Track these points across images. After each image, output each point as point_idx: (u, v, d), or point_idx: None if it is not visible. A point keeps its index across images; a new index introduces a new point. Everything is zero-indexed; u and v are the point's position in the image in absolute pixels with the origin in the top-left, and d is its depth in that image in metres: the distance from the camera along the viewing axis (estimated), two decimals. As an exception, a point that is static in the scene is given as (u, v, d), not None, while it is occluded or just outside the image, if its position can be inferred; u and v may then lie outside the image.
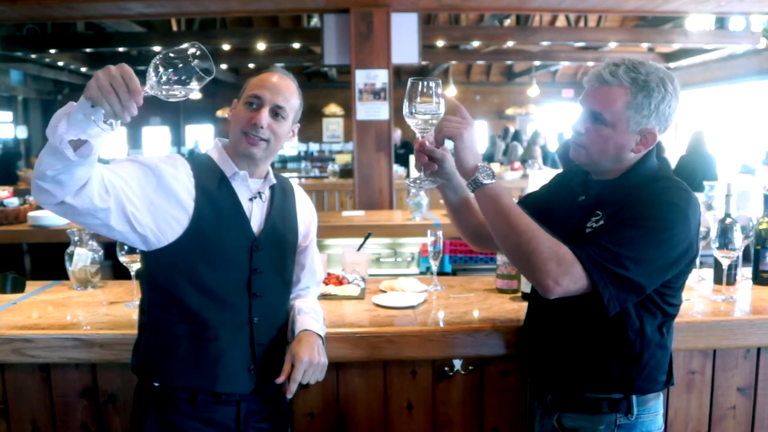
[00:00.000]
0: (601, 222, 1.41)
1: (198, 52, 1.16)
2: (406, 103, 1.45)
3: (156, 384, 1.49)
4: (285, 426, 1.68)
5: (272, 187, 1.63)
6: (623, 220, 1.35)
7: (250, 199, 1.57)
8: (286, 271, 1.66)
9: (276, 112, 1.52)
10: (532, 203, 1.69)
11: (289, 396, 1.51)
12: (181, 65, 1.15)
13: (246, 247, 1.53)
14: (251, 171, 1.57)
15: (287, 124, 1.56)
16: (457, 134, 1.40)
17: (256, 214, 1.57)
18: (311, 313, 1.67)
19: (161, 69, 1.14)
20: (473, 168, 1.39)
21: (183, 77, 1.15)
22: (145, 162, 1.46)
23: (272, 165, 1.66)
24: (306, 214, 1.73)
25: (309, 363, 1.51)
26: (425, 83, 1.44)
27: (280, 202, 1.64)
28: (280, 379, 1.50)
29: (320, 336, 1.61)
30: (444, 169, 1.54)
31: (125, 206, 1.37)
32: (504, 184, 6.88)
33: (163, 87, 1.15)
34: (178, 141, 15.47)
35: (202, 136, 14.85)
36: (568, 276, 1.31)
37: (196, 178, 1.49)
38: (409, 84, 1.45)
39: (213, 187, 1.51)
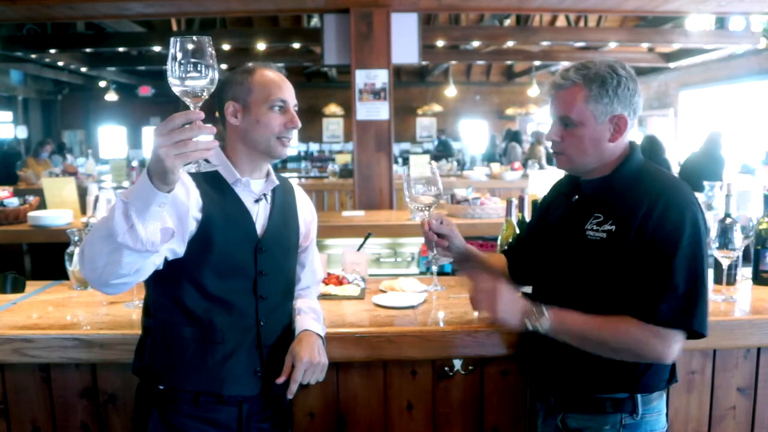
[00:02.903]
0: (606, 227, 1.43)
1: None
2: (406, 190, 1.57)
3: (161, 387, 1.49)
4: (286, 426, 1.69)
5: (273, 188, 1.63)
6: (662, 263, 1.37)
7: (256, 201, 1.57)
8: (290, 271, 1.67)
9: (295, 111, 1.56)
10: (537, 216, 1.75)
11: (290, 396, 1.52)
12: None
13: (250, 250, 1.53)
14: (257, 171, 1.58)
15: None
16: (492, 312, 1.45)
17: (260, 216, 1.57)
18: (311, 313, 1.67)
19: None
20: (522, 322, 1.44)
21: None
22: None
23: (275, 166, 1.67)
24: (306, 214, 1.73)
25: (309, 363, 1.51)
26: (423, 176, 1.56)
27: (282, 202, 1.64)
28: (281, 380, 1.50)
29: (320, 336, 1.61)
30: (454, 244, 1.64)
31: (168, 249, 1.41)
32: (504, 185, 6.90)
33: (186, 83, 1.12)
34: (178, 141, 15.45)
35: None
36: (668, 339, 1.37)
37: (200, 188, 1.48)
38: (405, 174, 1.58)
39: (217, 194, 1.50)
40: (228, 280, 1.50)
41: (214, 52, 1.12)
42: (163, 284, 1.48)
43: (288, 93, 1.54)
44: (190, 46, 1.09)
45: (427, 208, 1.56)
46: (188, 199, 1.44)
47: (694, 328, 1.38)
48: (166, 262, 1.43)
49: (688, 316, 1.37)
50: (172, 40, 1.09)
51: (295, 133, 1.64)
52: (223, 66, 10.96)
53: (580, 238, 1.48)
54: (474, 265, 1.75)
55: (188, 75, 1.09)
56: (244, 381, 1.51)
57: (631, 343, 1.38)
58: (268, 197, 1.60)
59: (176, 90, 1.11)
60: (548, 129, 1.53)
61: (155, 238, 1.21)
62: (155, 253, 1.25)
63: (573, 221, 1.52)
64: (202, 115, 1.11)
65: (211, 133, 1.12)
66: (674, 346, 1.38)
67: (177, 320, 1.48)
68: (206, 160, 1.16)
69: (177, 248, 1.43)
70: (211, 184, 1.50)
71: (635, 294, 1.39)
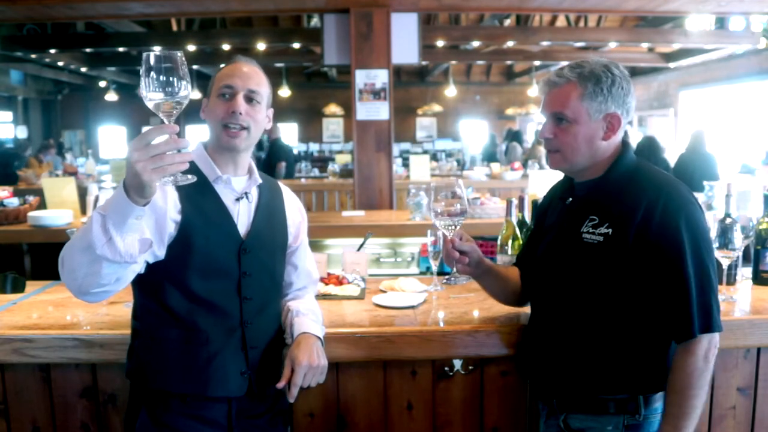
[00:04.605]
0: (603, 230, 1.43)
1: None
2: (432, 206, 1.57)
3: (150, 387, 1.49)
4: (284, 423, 1.68)
5: (259, 187, 1.62)
6: (672, 271, 1.38)
7: (237, 200, 1.56)
8: (276, 272, 1.65)
9: (250, 98, 1.52)
10: (536, 222, 1.77)
11: (291, 400, 1.51)
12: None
13: (234, 251, 1.52)
14: (234, 167, 1.56)
15: (263, 109, 1.56)
16: None
17: (242, 216, 1.56)
18: (309, 314, 1.66)
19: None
20: None
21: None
22: None
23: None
24: (295, 215, 1.72)
25: (308, 366, 1.50)
26: (448, 191, 1.56)
27: (268, 202, 1.63)
28: (281, 384, 1.49)
29: (319, 338, 1.61)
30: (473, 259, 1.64)
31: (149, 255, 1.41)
32: (504, 185, 6.90)
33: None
34: (178, 141, 15.45)
35: (202, 136, 14.83)
36: (708, 347, 1.40)
37: (179, 189, 1.46)
38: (433, 190, 1.57)
39: (196, 193, 1.48)
40: (211, 281, 1.49)
41: (186, 66, 1.12)
42: (147, 287, 1.48)
43: (239, 79, 1.50)
44: (162, 61, 1.09)
45: (453, 226, 1.58)
46: (166, 202, 1.43)
47: (715, 330, 1.40)
48: (148, 266, 1.43)
49: (710, 317, 1.39)
50: (144, 55, 1.10)
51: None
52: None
53: (576, 241, 1.48)
54: (491, 279, 1.75)
55: (161, 89, 1.09)
56: (229, 382, 1.51)
57: (697, 378, 1.39)
58: (251, 196, 1.59)
59: (150, 104, 1.12)
60: (541, 127, 1.53)
61: (133, 250, 1.22)
62: (134, 263, 1.26)
63: (568, 224, 1.52)
64: (177, 128, 1.11)
65: (186, 147, 1.12)
66: (711, 347, 1.40)
67: (162, 322, 1.48)
68: (192, 166, 1.16)
69: (156, 251, 1.43)
70: (191, 184, 1.49)
71: (661, 315, 1.41)
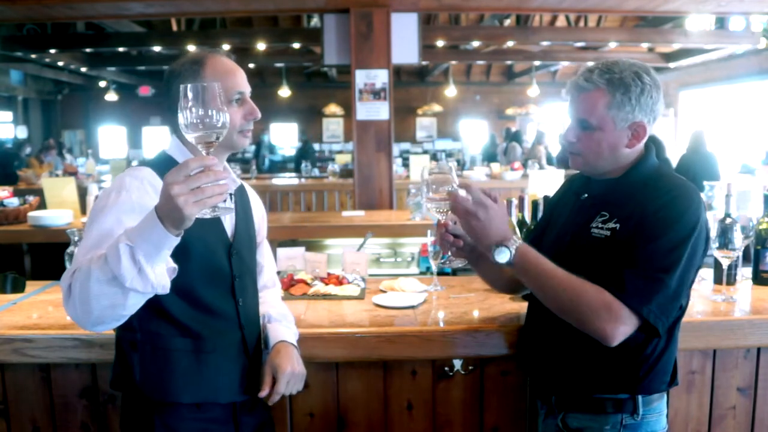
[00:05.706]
0: (611, 224, 1.43)
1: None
2: (424, 189, 1.55)
3: (158, 400, 1.46)
4: (267, 409, 1.69)
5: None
6: (644, 243, 1.36)
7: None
8: (255, 272, 1.67)
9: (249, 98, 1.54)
10: (546, 213, 1.75)
11: (271, 404, 1.52)
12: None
13: (225, 254, 1.52)
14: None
15: None
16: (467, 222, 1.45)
17: (227, 217, 1.54)
18: (283, 320, 1.66)
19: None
20: (498, 240, 1.42)
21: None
22: (136, 206, 1.36)
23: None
24: (258, 213, 1.72)
25: (291, 374, 1.52)
26: (441, 169, 1.55)
27: (241, 202, 1.63)
28: (263, 393, 1.50)
29: (295, 346, 1.61)
30: (468, 243, 1.63)
31: None
32: (504, 185, 6.89)
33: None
34: (178, 141, 15.45)
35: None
36: (620, 320, 1.34)
37: None
38: (423, 173, 1.55)
39: None
40: (211, 286, 1.48)
41: (223, 96, 1.11)
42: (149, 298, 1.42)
43: (243, 83, 1.50)
44: (200, 93, 1.08)
45: (445, 209, 1.57)
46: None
47: (645, 315, 1.33)
48: None
49: (646, 300, 1.33)
50: (181, 87, 1.09)
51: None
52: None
53: (585, 236, 1.48)
54: (487, 265, 1.73)
55: (199, 121, 1.09)
56: (237, 386, 1.52)
57: (583, 304, 1.35)
58: (232, 196, 1.58)
59: (189, 137, 1.11)
60: (565, 129, 1.51)
61: (165, 280, 1.18)
62: (166, 293, 1.21)
63: (579, 219, 1.52)
64: (216, 160, 1.09)
65: (225, 178, 1.10)
66: (620, 328, 1.34)
67: (166, 332, 1.45)
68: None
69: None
70: None
71: (612, 265, 1.38)
